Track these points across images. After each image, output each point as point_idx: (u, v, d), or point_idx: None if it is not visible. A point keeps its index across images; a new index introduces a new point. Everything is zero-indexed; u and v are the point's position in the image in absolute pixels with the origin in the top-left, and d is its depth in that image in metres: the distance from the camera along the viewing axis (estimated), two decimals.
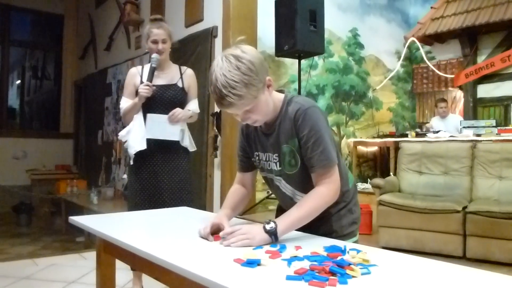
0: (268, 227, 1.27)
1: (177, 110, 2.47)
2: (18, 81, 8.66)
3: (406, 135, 5.19)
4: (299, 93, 4.16)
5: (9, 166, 6.66)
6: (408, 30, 6.49)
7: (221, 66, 1.26)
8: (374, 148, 5.67)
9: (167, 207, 2.18)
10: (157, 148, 2.50)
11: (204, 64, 4.29)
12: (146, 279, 2.81)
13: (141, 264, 1.30)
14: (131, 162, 2.53)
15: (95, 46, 6.99)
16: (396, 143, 4.76)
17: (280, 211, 1.53)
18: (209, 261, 1.13)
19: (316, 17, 3.98)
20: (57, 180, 6.22)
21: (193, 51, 4.51)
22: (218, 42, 4.22)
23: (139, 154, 2.49)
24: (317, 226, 1.41)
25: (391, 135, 5.55)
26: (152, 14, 5.13)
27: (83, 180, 6.22)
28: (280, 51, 4.06)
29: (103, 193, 5.12)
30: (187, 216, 1.81)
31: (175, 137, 2.51)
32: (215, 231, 1.35)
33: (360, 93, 5.86)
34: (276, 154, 1.43)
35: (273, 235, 1.27)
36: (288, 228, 1.31)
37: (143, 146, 2.47)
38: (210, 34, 4.27)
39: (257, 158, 1.51)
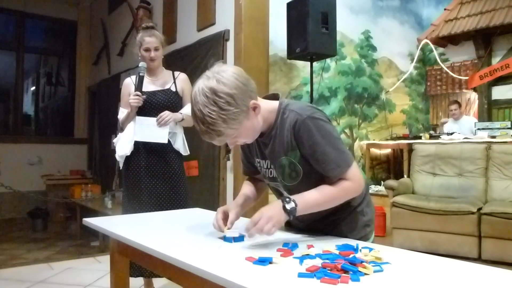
0: (288, 207, 1.25)
1: (165, 113, 2.48)
2: (33, 88, 8.79)
3: (420, 137, 5.14)
4: (312, 96, 4.15)
5: (24, 172, 6.76)
6: (421, 32, 6.44)
7: (198, 100, 1.20)
8: (387, 151, 5.62)
9: (161, 210, 2.18)
10: (146, 150, 2.52)
11: None
12: (157, 283, 2.82)
13: (154, 264, 1.31)
14: (120, 166, 2.56)
15: (108, 52, 7.07)
16: (410, 145, 4.72)
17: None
18: (221, 259, 1.13)
19: (328, 19, 3.97)
20: (71, 185, 6.28)
21: (204, 54, 4.53)
22: (230, 45, 4.24)
23: (128, 158, 2.52)
24: (328, 230, 1.39)
25: (404, 137, 5.51)
26: (164, 19, 5.21)
27: (97, 185, 6.28)
28: (292, 53, 4.05)
29: (117, 197, 5.16)
30: (199, 217, 1.82)
31: (163, 140, 2.50)
32: (226, 219, 1.37)
33: (373, 95, 5.82)
34: (274, 165, 1.39)
35: (292, 215, 1.25)
36: (305, 210, 1.29)
37: (126, 150, 2.49)
38: (222, 37, 4.29)
39: (258, 165, 1.48)
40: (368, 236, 1.43)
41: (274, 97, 1.40)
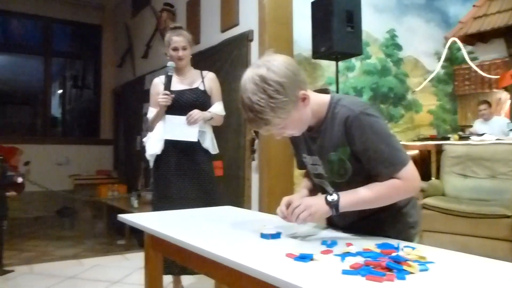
0: (330, 198, 1.23)
1: (194, 111, 2.50)
2: (60, 91, 8.98)
3: (448, 138, 5.02)
4: None
5: (53, 172, 6.90)
6: (448, 30, 6.30)
7: (247, 87, 1.19)
8: (414, 152, 5.51)
9: (190, 208, 2.19)
10: (176, 149, 2.54)
11: (240, 68, 4.30)
12: (185, 281, 2.83)
13: (190, 259, 1.30)
14: (151, 165, 2.58)
15: (132, 54, 7.16)
16: (438, 146, 4.62)
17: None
18: (260, 255, 1.12)
19: (353, 18, 3.92)
20: (98, 185, 6.39)
21: (228, 55, 4.54)
22: (254, 46, 4.24)
23: (158, 157, 2.55)
24: (370, 229, 1.34)
25: (432, 138, 5.39)
26: (188, 21, 5.25)
27: (123, 185, 6.36)
28: (317, 53, 4.02)
29: (143, 196, 5.21)
30: (232, 214, 1.81)
31: (193, 138, 2.52)
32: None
33: (399, 95, 5.73)
34: (322, 161, 1.35)
35: (334, 208, 1.23)
36: (351, 205, 1.25)
37: (157, 149, 2.52)
38: (245, 38, 4.29)
39: (305, 160, 1.45)
40: (412, 238, 1.37)
41: (324, 91, 1.37)
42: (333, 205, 1.23)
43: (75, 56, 8.84)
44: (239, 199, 4.23)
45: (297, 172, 4.18)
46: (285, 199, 1.36)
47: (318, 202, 1.24)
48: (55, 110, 8.56)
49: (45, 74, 7.77)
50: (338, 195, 1.24)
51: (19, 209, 6.18)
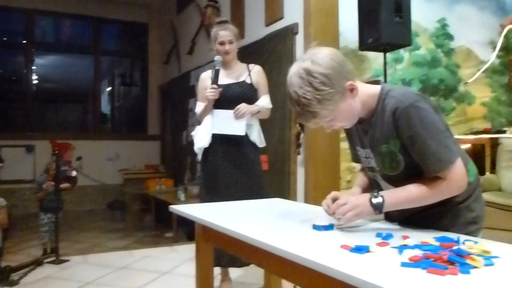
0: (375, 201, 1.23)
1: (241, 105, 2.50)
2: (109, 88, 9.31)
3: (504, 132, 4.76)
4: None
5: (103, 167, 7.16)
6: (504, 17, 5.96)
7: (293, 82, 1.21)
8: (467, 146, 5.28)
9: (238, 200, 2.19)
10: (224, 142, 2.56)
11: (285, 61, 4.28)
12: (233, 274, 2.85)
13: (242, 250, 1.31)
14: (199, 158, 2.61)
15: (178, 51, 7.29)
16: (493, 140, 4.40)
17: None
18: (314, 246, 1.10)
19: (402, 7, 3.78)
20: (146, 179, 6.57)
21: (273, 49, 4.53)
22: (299, 39, 4.20)
23: (206, 150, 2.58)
24: (427, 224, 1.29)
25: (486, 131, 5.13)
26: (232, 16, 5.27)
27: (170, 179, 6.50)
28: (364, 45, 3.91)
29: (189, 190, 5.31)
30: (281, 206, 1.80)
31: (240, 132, 2.54)
32: None
33: (450, 87, 5.49)
34: (374, 153, 1.33)
35: (378, 210, 1.24)
36: (395, 206, 1.25)
37: (205, 142, 2.54)
38: (290, 31, 4.26)
39: (358, 153, 1.43)
40: (475, 234, 1.29)
41: (376, 83, 1.34)
42: (378, 207, 1.23)
43: (123, 54, 9.12)
44: (283, 194, 4.21)
45: (343, 167, 4.12)
46: (332, 194, 1.36)
47: (364, 203, 1.23)
48: (105, 107, 8.88)
49: (95, 73, 8.06)
50: (383, 197, 1.23)
51: (72, 202, 6.47)
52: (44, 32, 8.14)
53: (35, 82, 7.73)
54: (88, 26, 8.05)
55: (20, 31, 7.52)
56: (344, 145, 3.98)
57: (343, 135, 3.88)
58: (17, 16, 7.40)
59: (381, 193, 1.24)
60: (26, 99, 7.46)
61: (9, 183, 5.50)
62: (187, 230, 4.77)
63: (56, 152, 3.96)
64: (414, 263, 0.93)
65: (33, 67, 7.65)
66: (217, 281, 2.74)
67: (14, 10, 7.25)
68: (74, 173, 4.44)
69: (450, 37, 5.51)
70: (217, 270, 2.72)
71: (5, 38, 7.76)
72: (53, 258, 3.55)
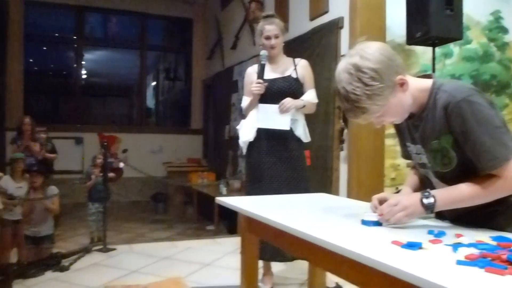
0: (426, 201, 1.19)
1: (287, 100, 2.49)
2: (154, 83, 9.53)
3: None
4: None
5: (147, 160, 7.36)
6: None
7: (341, 78, 1.19)
8: None
9: (282, 194, 2.18)
10: (268, 137, 2.56)
11: (329, 56, 4.22)
12: (275, 268, 2.86)
13: (288, 243, 1.30)
14: (243, 152, 2.62)
15: (221, 46, 7.36)
16: None
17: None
18: (365, 241, 1.08)
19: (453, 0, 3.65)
20: (189, 172, 6.70)
21: (317, 44, 4.48)
22: (344, 33, 4.13)
23: (251, 144, 2.59)
24: (481, 222, 1.24)
25: None
26: (276, 10, 5.26)
27: (212, 173, 6.60)
28: (412, 39, 3.79)
29: (231, 184, 5.37)
30: (328, 201, 1.78)
31: (285, 127, 2.53)
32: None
33: (503, 83, 5.24)
34: (425, 149, 1.30)
35: (430, 210, 1.21)
36: (447, 206, 1.22)
37: (250, 136, 2.55)
38: (335, 25, 4.20)
39: (409, 149, 1.39)
40: None
41: (428, 77, 1.31)
42: (429, 208, 1.20)
43: (168, 49, 9.31)
44: (326, 190, 4.16)
45: (388, 164, 4.02)
46: (381, 195, 1.34)
47: (415, 203, 1.20)
48: (150, 101, 9.11)
49: (141, 67, 8.27)
50: (434, 197, 1.19)
51: (118, 194, 6.71)
52: (93, 28, 8.44)
53: (84, 76, 8.04)
54: (134, 21, 8.27)
55: (71, 27, 7.82)
56: (389, 142, 3.89)
57: (387, 131, 3.79)
58: (68, 13, 7.71)
59: (432, 192, 1.20)
60: (76, 93, 7.77)
61: (59, 173, 5.75)
62: (228, 223, 4.84)
63: (105, 144, 4.11)
64: (471, 261, 0.90)
65: (82, 62, 7.95)
66: (259, 275, 2.77)
67: (65, 7, 7.56)
68: (121, 165, 4.60)
69: (504, 30, 5.25)
70: (259, 263, 2.74)
71: (56, 34, 8.11)
72: (101, 246, 3.69)
